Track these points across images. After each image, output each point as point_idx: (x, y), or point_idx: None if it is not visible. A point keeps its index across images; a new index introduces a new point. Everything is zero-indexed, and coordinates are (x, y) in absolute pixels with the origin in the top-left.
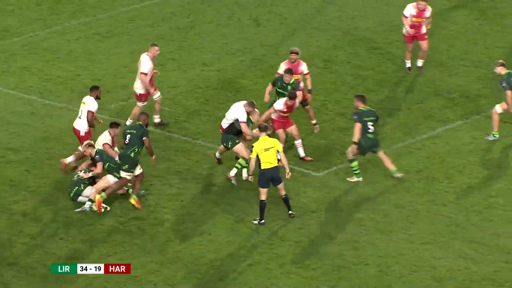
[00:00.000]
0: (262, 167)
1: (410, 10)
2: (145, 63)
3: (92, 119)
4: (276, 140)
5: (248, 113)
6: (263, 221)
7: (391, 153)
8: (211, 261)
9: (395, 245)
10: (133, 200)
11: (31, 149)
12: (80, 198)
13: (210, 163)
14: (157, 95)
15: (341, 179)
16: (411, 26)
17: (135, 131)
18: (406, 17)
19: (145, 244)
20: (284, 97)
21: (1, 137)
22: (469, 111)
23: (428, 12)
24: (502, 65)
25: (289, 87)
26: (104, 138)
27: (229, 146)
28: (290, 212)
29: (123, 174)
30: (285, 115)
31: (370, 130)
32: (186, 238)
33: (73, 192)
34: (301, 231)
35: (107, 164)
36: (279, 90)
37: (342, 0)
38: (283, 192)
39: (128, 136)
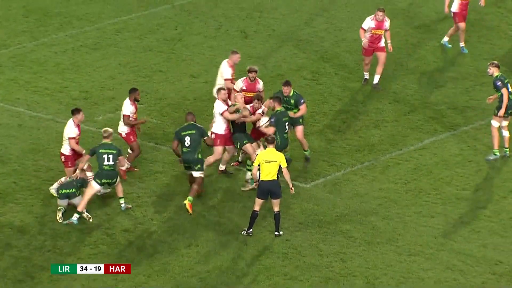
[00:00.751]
0: (261, 178)
1: (368, 23)
2: (226, 70)
3: (128, 121)
4: (281, 154)
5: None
6: (251, 230)
7: (378, 164)
8: (199, 272)
9: (382, 257)
10: (187, 203)
11: (18, 161)
12: (61, 202)
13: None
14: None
15: (328, 191)
16: (371, 38)
17: (194, 131)
18: (364, 30)
19: (133, 256)
20: (287, 109)
21: None
22: (456, 123)
23: (387, 23)
24: (497, 66)
25: (292, 101)
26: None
27: (237, 146)
28: (276, 232)
29: (197, 174)
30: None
31: (286, 130)
32: (174, 250)
33: (64, 190)
34: (288, 242)
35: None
36: (283, 105)
37: (330, 12)
38: (276, 208)
39: (187, 138)
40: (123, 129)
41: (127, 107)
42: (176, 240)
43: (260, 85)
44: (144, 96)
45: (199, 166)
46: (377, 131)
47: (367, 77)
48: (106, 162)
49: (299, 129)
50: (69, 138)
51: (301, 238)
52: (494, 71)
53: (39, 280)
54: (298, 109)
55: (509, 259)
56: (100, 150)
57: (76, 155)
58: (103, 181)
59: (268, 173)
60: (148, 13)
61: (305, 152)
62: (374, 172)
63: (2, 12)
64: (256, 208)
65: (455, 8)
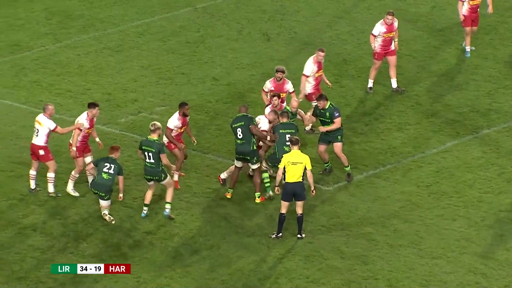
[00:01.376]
0: (286, 180)
1: (379, 28)
2: (308, 66)
3: (168, 135)
4: (306, 156)
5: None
6: (280, 234)
7: (401, 167)
8: (220, 275)
9: (404, 260)
10: (259, 199)
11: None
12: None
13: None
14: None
15: (351, 193)
16: (384, 42)
17: (243, 122)
18: (375, 36)
19: (155, 258)
20: (324, 124)
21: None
22: (479, 126)
23: (395, 24)
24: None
25: (327, 113)
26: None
27: (273, 164)
28: (299, 235)
29: (254, 166)
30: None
31: (287, 143)
32: (195, 252)
33: (104, 191)
34: (311, 245)
35: None
36: (320, 118)
37: (352, 15)
38: (299, 211)
39: (239, 130)
40: (164, 138)
41: (173, 121)
42: (198, 243)
43: (288, 85)
44: (166, 99)
45: (255, 158)
46: (400, 134)
47: (372, 85)
48: (147, 160)
49: (337, 146)
50: (76, 123)
51: (323, 241)
52: (325, 103)
53: (62, 281)
54: (333, 122)
55: None
56: (143, 147)
57: (84, 146)
58: (146, 177)
59: (294, 175)
60: (171, 15)
61: (346, 169)
62: (396, 175)
63: (25, 14)
64: (283, 210)
65: (464, 11)
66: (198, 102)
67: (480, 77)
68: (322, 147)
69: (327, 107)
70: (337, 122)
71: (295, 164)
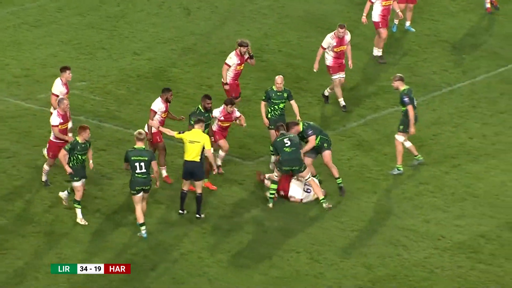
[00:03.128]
0: (184, 158)
1: (328, 41)
2: (326, 39)
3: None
4: (206, 136)
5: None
6: (184, 211)
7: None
8: (141, 250)
9: (326, 233)
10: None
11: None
12: None
13: None
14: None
15: (271, 169)
16: (336, 55)
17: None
18: (324, 49)
19: (76, 234)
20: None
21: None
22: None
23: (348, 36)
24: (401, 79)
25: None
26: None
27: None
28: (197, 215)
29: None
30: (224, 125)
31: (286, 144)
32: (116, 227)
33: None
34: (233, 219)
35: None
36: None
37: None
38: (199, 190)
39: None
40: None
41: (157, 103)
42: (123, 218)
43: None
44: (87, 74)
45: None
46: (319, 107)
47: (344, 103)
48: (138, 171)
49: (326, 155)
50: (52, 94)
51: (245, 215)
52: (399, 85)
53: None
54: (307, 142)
55: (451, 234)
56: (132, 158)
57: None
58: (137, 188)
59: (191, 154)
60: None
61: (337, 181)
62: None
63: None
64: (184, 188)
65: None
66: (119, 77)
67: (399, 50)
68: (309, 160)
69: (301, 129)
70: (311, 141)
71: (192, 143)
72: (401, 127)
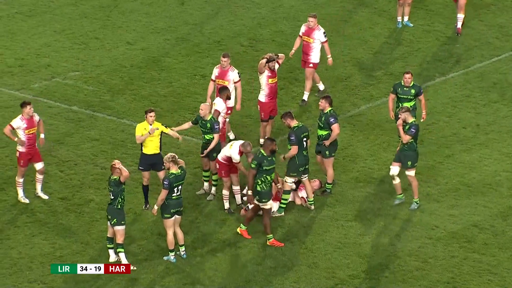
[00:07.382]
0: (143, 151)
1: (302, 29)
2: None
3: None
4: (159, 123)
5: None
6: (148, 205)
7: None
8: (136, 240)
9: (320, 223)
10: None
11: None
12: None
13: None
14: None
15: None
16: (302, 47)
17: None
18: (301, 37)
19: (70, 224)
20: (405, 101)
21: None
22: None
23: (317, 33)
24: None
25: (412, 91)
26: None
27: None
28: (144, 206)
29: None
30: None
31: (305, 147)
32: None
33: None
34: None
35: None
36: (400, 96)
37: None
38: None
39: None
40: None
41: (220, 104)
42: None
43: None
44: (80, 64)
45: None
46: (314, 97)
47: (323, 88)
48: (175, 194)
49: (327, 160)
50: (9, 125)
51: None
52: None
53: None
54: (419, 100)
55: (445, 223)
56: (174, 184)
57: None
58: (172, 211)
59: (149, 146)
60: None
61: (327, 185)
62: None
63: None
64: (144, 182)
65: None
66: (113, 67)
67: (393, 40)
68: (319, 158)
69: (411, 84)
70: (335, 129)
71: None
72: (409, 162)
